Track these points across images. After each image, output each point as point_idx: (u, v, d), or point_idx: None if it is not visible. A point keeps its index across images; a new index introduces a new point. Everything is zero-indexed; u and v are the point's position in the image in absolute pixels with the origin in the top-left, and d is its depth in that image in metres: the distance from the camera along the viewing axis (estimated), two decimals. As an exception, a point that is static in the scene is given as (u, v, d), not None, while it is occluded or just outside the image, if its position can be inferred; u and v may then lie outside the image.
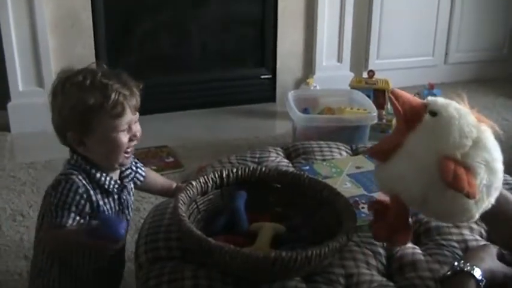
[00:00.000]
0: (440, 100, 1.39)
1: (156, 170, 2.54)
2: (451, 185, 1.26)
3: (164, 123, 3.65)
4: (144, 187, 1.77)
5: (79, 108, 1.43)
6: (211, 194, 1.61)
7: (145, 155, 3.08)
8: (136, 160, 1.71)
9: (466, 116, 1.35)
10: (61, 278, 1.58)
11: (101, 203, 1.50)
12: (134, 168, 1.68)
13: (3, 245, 2.35)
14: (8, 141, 3.36)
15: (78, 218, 1.43)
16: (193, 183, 1.55)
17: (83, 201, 1.44)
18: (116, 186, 1.54)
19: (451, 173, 1.26)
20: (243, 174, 1.63)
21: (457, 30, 4.46)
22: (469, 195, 1.26)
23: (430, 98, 1.42)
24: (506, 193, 1.42)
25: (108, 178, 1.51)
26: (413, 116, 1.36)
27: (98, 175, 1.49)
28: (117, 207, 1.55)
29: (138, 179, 1.71)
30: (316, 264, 1.33)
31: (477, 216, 1.33)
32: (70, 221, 1.41)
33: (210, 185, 1.59)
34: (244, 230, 1.50)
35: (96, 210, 1.48)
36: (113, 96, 1.43)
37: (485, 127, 1.36)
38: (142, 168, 1.73)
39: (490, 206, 1.34)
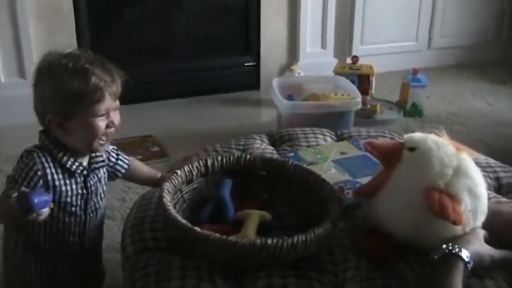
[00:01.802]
0: (417, 135, 1.48)
1: (142, 160, 2.53)
2: (438, 214, 1.32)
3: (149, 112, 3.64)
4: (128, 177, 1.76)
5: (61, 92, 1.43)
6: (197, 183, 1.61)
7: (130, 145, 3.07)
8: (119, 152, 1.71)
9: (444, 146, 1.42)
10: (26, 254, 1.58)
11: (60, 182, 1.49)
12: (114, 159, 1.68)
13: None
14: (-9, 134, 3.34)
15: (24, 188, 1.42)
16: (178, 172, 1.54)
17: (36, 178, 1.45)
18: (81, 168, 1.53)
19: (437, 202, 1.33)
20: (227, 162, 1.63)
21: (440, 15, 4.47)
22: (455, 222, 1.33)
23: (406, 135, 1.51)
24: (495, 208, 1.49)
25: (72, 159, 1.51)
26: (392, 157, 1.44)
27: (60, 155, 1.49)
28: (80, 191, 1.54)
29: (118, 170, 1.71)
30: (302, 251, 1.33)
31: None
32: (16, 194, 1.41)
33: (195, 173, 1.58)
34: (230, 218, 1.50)
35: (53, 190, 1.48)
36: (93, 81, 1.43)
37: (464, 155, 1.43)
38: (125, 160, 1.72)
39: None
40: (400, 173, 1.42)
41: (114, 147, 1.70)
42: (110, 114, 1.49)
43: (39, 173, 1.46)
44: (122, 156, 1.72)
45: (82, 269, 1.67)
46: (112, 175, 1.71)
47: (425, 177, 1.38)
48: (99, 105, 1.45)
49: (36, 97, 1.49)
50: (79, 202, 1.55)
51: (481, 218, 1.41)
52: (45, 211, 1.36)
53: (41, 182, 1.46)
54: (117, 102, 1.51)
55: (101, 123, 1.47)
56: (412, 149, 1.43)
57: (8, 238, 1.62)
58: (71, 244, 1.59)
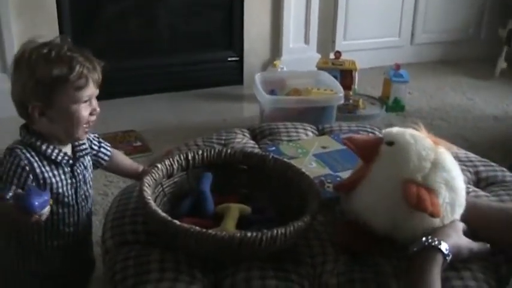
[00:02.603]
0: (395, 129, 1.49)
1: (124, 155, 2.53)
2: (415, 207, 1.34)
3: (131, 107, 3.63)
4: (110, 168, 1.76)
5: (45, 80, 1.43)
6: (177, 177, 1.61)
7: (113, 140, 3.06)
8: (101, 140, 1.71)
9: (421, 140, 1.44)
10: (19, 253, 1.59)
11: (49, 175, 1.49)
12: (96, 147, 1.68)
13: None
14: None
15: (20, 191, 1.42)
16: (159, 166, 1.55)
17: (25, 174, 1.44)
18: (66, 158, 1.53)
19: (414, 195, 1.34)
20: (208, 156, 1.63)
21: (423, 11, 4.49)
22: (433, 215, 1.34)
23: (384, 130, 1.53)
24: (473, 201, 1.51)
25: (56, 150, 1.50)
26: (370, 152, 1.46)
27: (44, 147, 1.49)
28: (69, 180, 1.54)
29: (102, 158, 1.71)
30: (281, 244, 1.34)
31: None
32: (11, 193, 1.39)
33: (175, 167, 1.59)
34: (210, 212, 1.51)
35: (43, 183, 1.48)
36: (77, 68, 1.44)
37: (442, 149, 1.45)
38: (108, 148, 1.72)
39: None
40: (378, 167, 1.43)
41: (96, 134, 1.69)
42: (92, 101, 1.50)
43: (27, 168, 1.45)
44: (104, 144, 1.71)
45: (74, 259, 1.66)
46: (96, 163, 1.70)
47: (403, 170, 1.39)
48: (83, 92, 1.46)
49: (15, 87, 1.48)
50: (70, 192, 1.55)
51: (459, 210, 1.42)
52: (47, 210, 1.36)
53: (30, 176, 1.45)
54: (97, 90, 1.52)
55: (84, 110, 1.48)
56: (390, 143, 1.44)
57: None
58: (66, 235, 1.59)
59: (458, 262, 1.36)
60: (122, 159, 1.80)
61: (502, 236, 1.44)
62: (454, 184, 1.41)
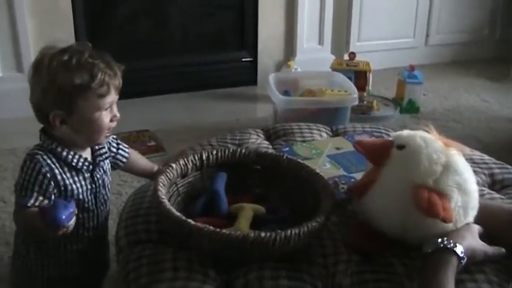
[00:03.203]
0: (406, 133, 1.48)
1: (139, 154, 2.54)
2: (426, 213, 1.33)
3: (145, 107, 3.64)
4: (125, 167, 1.76)
5: (66, 88, 1.42)
6: (191, 176, 1.62)
7: (127, 139, 3.07)
8: (119, 141, 1.71)
9: (432, 143, 1.42)
10: (38, 258, 1.58)
11: (70, 181, 1.49)
12: (115, 149, 1.68)
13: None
14: (-12, 127, 3.34)
15: (41, 198, 1.43)
16: (173, 165, 1.55)
17: (46, 181, 1.44)
18: (86, 164, 1.53)
19: (425, 201, 1.33)
20: (222, 156, 1.64)
21: (437, 12, 4.47)
22: (445, 220, 1.33)
23: (394, 133, 1.53)
24: (486, 203, 1.50)
25: (76, 156, 1.51)
26: (381, 155, 1.45)
27: (65, 153, 1.49)
28: (89, 186, 1.54)
29: (120, 160, 1.71)
30: (295, 245, 1.34)
31: None
32: (32, 201, 1.41)
33: (190, 167, 1.59)
34: (224, 212, 1.51)
35: (64, 190, 1.48)
36: (99, 75, 1.43)
37: (453, 151, 1.43)
38: (126, 150, 1.72)
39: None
40: (389, 171, 1.43)
41: (114, 136, 1.70)
42: (112, 107, 1.50)
43: (48, 175, 1.45)
44: (122, 145, 1.72)
45: (91, 262, 1.67)
46: (114, 165, 1.71)
47: (414, 174, 1.38)
48: (104, 99, 1.46)
49: (34, 92, 1.47)
50: (90, 197, 1.56)
51: (472, 213, 1.42)
52: (73, 221, 1.36)
53: (52, 184, 1.45)
54: (117, 96, 1.52)
55: (106, 117, 1.48)
56: (401, 146, 1.43)
57: (18, 244, 1.62)
58: (85, 239, 1.60)
59: (472, 265, 1.34)
60: (137, 158, 1.80)
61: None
62: (466, 187, 1.40)
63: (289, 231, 1.30)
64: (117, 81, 1.49)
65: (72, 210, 1.34)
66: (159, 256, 1.40)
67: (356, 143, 1.52)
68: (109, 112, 1.49)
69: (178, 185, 1.58)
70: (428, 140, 1.43)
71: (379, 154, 1.46)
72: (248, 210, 1.48)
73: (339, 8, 4.13)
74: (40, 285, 1.63)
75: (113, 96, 1.48)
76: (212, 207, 1.52)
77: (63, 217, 1.31)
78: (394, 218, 1.40)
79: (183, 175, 1.59)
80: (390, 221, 1.41)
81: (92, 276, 1.71)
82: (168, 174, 1.51)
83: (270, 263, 1.37)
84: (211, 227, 1.30)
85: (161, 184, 1.46)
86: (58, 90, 1.42)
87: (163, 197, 1.41)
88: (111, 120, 1.50)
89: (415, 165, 1.39)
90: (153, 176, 1.72)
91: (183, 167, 1.58)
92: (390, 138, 1.52)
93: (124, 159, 1.72)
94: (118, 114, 1.52)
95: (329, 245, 1.45)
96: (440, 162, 1.39)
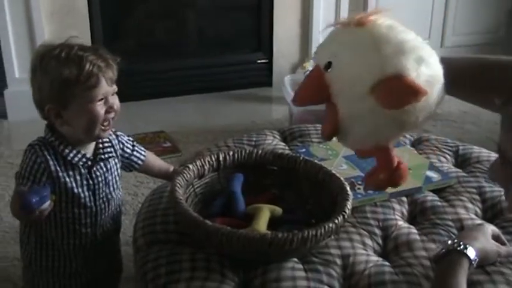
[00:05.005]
0: (322, 44, 1.29)
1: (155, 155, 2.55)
2: (395, 105, 1.13)
3: (161, 108, 3.65)
4: (141, 168, 1.77)
5: (56, 81, 1.44)
6: (208, 177, 1.62)
7: (142, 140, 3.09)
8: (135, 144, 1.72)
9: (353, 45, 1.22)
10: (37, 248, 1.61)
11: (63, 174, 1.51)
12: (129, 150, 1.69)
13: (2, 231, 2.36)
14: (5, 128, 3.37)
15: (35, 186, 1.46)
16: (190, 166, 1.55)
17: (40, 171, 1.47)
18: (84, 160, 1.54)
19: (388, 95, 1.12)
20: (239, 157, 1.64)
21: (453, 13, 4.46)
22: (418, 94, 1.14)
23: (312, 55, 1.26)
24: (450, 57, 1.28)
25: (74, 151, 1.52)
26: (320, 92, 1.25)
27: (62, 147, 1.51)
28: (84, 181, 1.55)
29: (135, 162, 1.71)
30: (312, 245, 1.34)
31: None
32: (26, 188, 1.44)
33: (206, 168, 1.59)
34: (241, 212, 1.51)
35: (58, 182, 1.50)
36: (87, 67, 1.44)
37: (377, 22, 1.26)
38: (142, 152, 1.73)
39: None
40: (340, 96, 1.21)
41: (130, 138, 1.71)
42: (108, 99, 1.49)
43: (43, 165, 1.48)
44: (138, 147, 1.72)
45: (97, 261, 1.68)
46: (128, 166, 1.72)
47: (360, 83, 1.14)
48: (95, 91, 1.46)
49: (33, 89, 1.52)
50: (86, 193, 1.56)
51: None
52: (46, 206, 1.39)
53: (45, 174, 1.48)
54: (115, 86, 1.52)
55: (100, 108, 1.48)
56: (327, 66, 1.20)
57: (21, 231, 1.65)
58: (84, 235, 1.61)
59: (490, 266, 1.34)
60: (154, 159, 1.80)
61: (475, 83, 1.29)
62: (405, 47, 1.19)
63: (306, 232, 1.30)
64: (110, 73, 1.49)
65: (45, 194, 1.38)
66: (177, 256, 1.41)
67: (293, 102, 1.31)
68: (103, 104, 1.49)
69: (195, 186, 1.58)
70: (347, 41, 1.21)
71: (317, 93, 1.26)
72: (265, 210, 1.48)
73: (354, 9, 4.12)
74: (45, 277, 1.65)
75: (105, 88, 1.48)
76: (229, 208, 1.53)
77: (33, 200, 1.34)
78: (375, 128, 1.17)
79: (200, 176, 1.59)
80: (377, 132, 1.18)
81: (100, 275, 1.72)
82: (185, 175, 1.51)
83: (287, 263, 1.37)
84: (228, 228, 1.30)
85: (178, 185, 1.46)
86: (50, 84, 1.45)
87: (180, 197, 1.41)
88: (107, 112, 1.50)
89: (352, 75, 1.16)
90: (169, 177, 1.73)
91: (200, 168, 1.58)
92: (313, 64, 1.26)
93: (140, 162, 1.73)
94: (115, 106, 1.51)
95: (346, 246, 1.45)
96: (378, 55, 1.16)
